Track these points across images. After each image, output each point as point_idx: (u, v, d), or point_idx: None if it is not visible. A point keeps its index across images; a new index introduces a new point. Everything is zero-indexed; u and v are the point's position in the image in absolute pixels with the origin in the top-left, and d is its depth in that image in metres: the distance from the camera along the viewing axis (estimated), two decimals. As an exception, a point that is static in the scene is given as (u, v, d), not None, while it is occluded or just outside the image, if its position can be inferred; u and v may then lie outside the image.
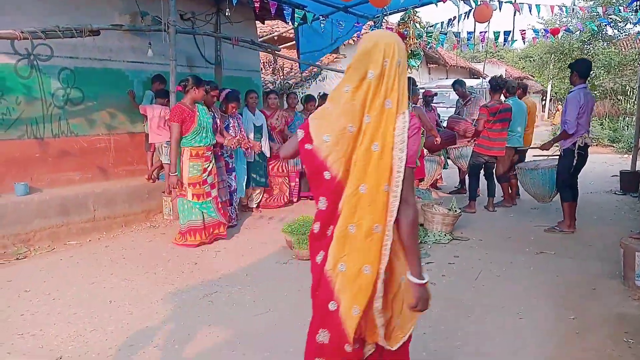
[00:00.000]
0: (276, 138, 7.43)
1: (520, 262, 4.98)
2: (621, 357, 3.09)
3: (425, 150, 7.80)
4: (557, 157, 6.20)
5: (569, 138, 5.76)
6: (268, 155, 7.17)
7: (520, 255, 5.17)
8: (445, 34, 7.67)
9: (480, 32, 7.13)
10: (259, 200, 7.23)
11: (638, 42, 16.66)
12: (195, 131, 5.32)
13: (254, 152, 6.71)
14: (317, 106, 8.25)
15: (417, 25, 5.73)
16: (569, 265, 4.83)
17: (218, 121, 5.91)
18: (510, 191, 7.49)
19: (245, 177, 6.86)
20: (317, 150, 1.95)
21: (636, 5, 6.51)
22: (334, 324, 1.98)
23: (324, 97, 8.42)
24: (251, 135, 6.81)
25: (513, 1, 6.46)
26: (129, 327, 3.52)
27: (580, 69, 5.87)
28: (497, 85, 6.95)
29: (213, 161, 5.59)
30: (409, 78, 6.66)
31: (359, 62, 1.92)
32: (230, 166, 6.36)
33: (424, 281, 1.93)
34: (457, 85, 8.64)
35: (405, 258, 1.97)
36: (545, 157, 7.59)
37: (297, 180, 7.81)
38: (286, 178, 7.58)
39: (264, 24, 11.18)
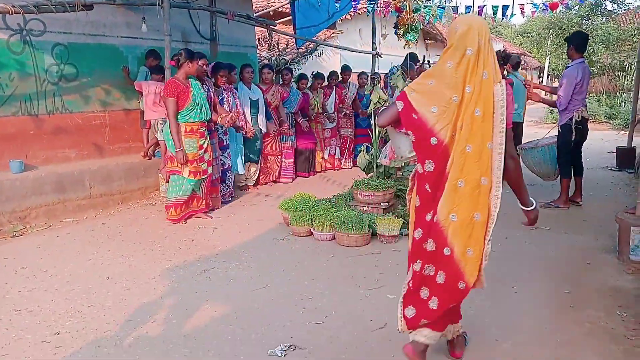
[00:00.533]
0: (272, 114, 7.31)
1: (515, 237, 5.00)
2: (614, 329, 3.13)
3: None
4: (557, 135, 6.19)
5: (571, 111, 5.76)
6: (264, 130, 7.11)
7: (516, 231, 5.16)
8: (444, 7, 7.56)
9: (479, 7, 7.04)
10: (255, 178, 7.19)
11: (637, 16, 16.51)
12: (190, 107, 5.24)
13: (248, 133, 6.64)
14: (309, 84, 8.19)
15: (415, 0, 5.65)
16: (564, 240, 4.87)
17: (212, 95, 5.83)
18: None
19: (243, 155, 6.81)
20: (424, 119, 2.33)
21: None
22: (450, 266, 2.38)
23: (317, 75, 8.32)
24: (247, 110, 6.75)
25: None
26: (126, 303, 3.54)
27: (577, 42, 5.84)
28: (502, 59, 6.89)
29: (208, 137, 5.53)
30: (411, 53, 6.63)
31: (458, 42, 2.30)
32: (224, 143, 6.32)
33: (533, 206, 2.57)
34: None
35: (517, 194, 2.54)
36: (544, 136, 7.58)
37: (293, 159, 7.77)
38: (278, 157, 7.51)
39: (259, -3, 11.02)
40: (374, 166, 5.69)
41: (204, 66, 5.88)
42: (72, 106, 6.16)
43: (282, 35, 10.27)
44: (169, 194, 5.47)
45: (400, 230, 4.89)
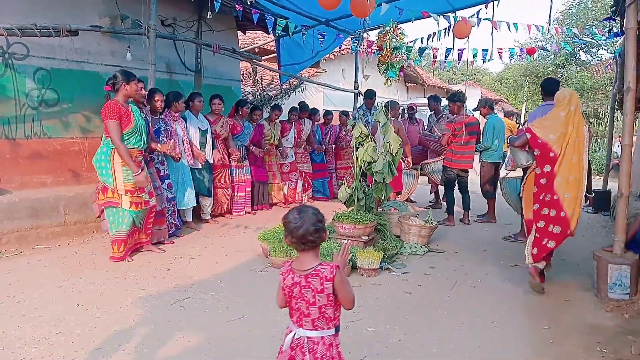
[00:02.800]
0: (218, 146, 6.95)
1: (495, 273, 5.00)
2: (594, 365, 3.10)
3: (402, 164, 7.85)
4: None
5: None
6: (211, 161, 6.76)
7: (495, 267, 5.20)
8: (425, 48, 7.76)
9: (459, 50, 7.25)
10: (210, 211, 6.91)
11: (609, 67, 17.15)
12: (131, 131, 4.86)
13: (200, 161, 6.39)
14: (266, 115, 8.27)
15: (396, 39, 5.79)
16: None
17: (149, 123, 5.50)
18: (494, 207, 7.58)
19: (192, 187, 6.34)
20: (545, 142, 4.29)
21: (609, 25, 6.68)
22: (563, 222, 4.18)
23: (274, 107, 8.22)
24: (196, 139, 6.47)
25: (491, 18, 6.58)
26: (96, 331, 3.40)
27: (545, 87, 6.07)
28: (458, 99, 7.15)
29: (145, 167, 5.14)
30: (391, 101, 7.04)
31: (566, 103, 4.30)
32: (162, 173, 5.85)
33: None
34: (432, 101, 8.87)
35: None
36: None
37: (244, 192, 7.51)
38: (228, 189, 7.19)
39: (245, 34, 11.19)
40: (355, 199, 5.68)
41: (142, 90, 5.44)
42: (51, 131, 6.08)
43: (266, 71, 10.41)
44: (111, 230, 4.99)
45: (380, 264, 4.85)
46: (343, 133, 9.27)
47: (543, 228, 4.27)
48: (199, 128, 6.57)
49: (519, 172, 6.60)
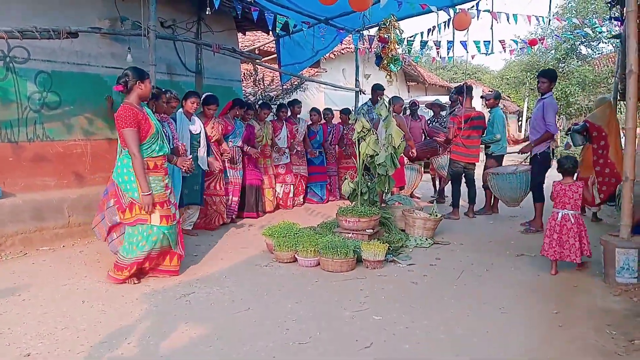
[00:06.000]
0: (213, 149, 6.44)
1: (501, 263, 4.97)
2: (605, 346, 3.06)
3: (405, 159, 7.83)
4: (520, 163, 6.83)
5: (550, 139, 6.04)
6: (205, 168, 6.16)
7: (501, 257, 5.17)
8: (426, 42, 7.75)
9: (460, 42, 7.23)
10: (193, 221, 6.23)
11: (611, 60, 17.10)
12: (154, 137, 4.25)
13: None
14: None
15: (397, 31, 5.78)
16: (550, 266, 4.83)
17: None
18: (492, 200, 7.55)
19: (179, 193, 5.70)
20: (600, 126, 6.50)
21: (609, 13, 6.67)
22: (617, 176, 5.98)
23: (262, 105, 7.88)
24: (187, 143, 5.80)
25: (490, 10, 6.57)
26: (102, 326, 3.39)
27: (552, 76, 6.18)
28: (462, 91, 7.15)
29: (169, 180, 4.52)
30: (395, 97, 6.98)
31: (607, 106, 6.80)
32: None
33: None
34: (436, 106, 9.14)
35: None
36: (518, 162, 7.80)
37: (238, 197, 6.98)
38: (224, 197, 6.64)
39: (245, 35, 11.20)
40: (359, 193, 5.66)
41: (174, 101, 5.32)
42: (53, 134, 6.08)
43: (267, 71, 10.40)
44: (128, 252, 4.23)
45: (385, 255, 4.83)
46: (346, 131, 8.86)
47: (602, 182, 6.36)
48: (190, 131, 5.95)
49: (510, 169, 6.65)
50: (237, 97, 8.69)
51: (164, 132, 4.64)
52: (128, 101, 4.21)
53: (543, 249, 4.66)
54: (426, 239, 5.76)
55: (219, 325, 3.42)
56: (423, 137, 9.04)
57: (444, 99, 11.68)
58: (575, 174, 5.07)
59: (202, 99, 6.39)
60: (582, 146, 6.99)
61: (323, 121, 8.79)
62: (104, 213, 4.48)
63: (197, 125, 6.07)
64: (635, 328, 3.34)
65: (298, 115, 8.32)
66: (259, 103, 8.01)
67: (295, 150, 8.18)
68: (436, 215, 5.96)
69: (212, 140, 6.44)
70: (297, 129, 8.21)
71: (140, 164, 4.10)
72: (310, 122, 8.53)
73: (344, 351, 3.04)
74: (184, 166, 4.66)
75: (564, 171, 4.76)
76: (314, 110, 8.70)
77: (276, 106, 8.21)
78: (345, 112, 9.06)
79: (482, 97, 8.69)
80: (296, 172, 8.17)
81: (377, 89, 8.21)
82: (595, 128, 6.50)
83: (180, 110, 6.05)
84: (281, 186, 7.96)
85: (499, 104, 7.93)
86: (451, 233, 6.24)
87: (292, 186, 8.08)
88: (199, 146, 6.06)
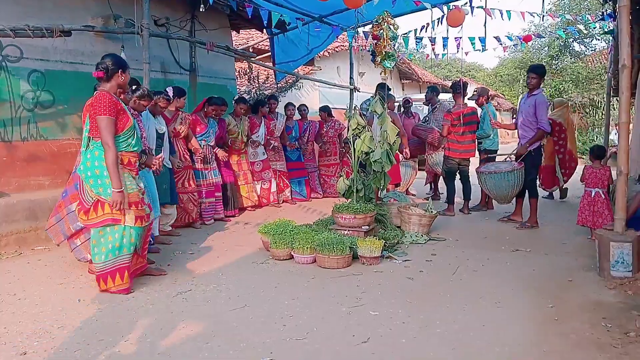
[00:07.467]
0: (178, 146, 6.18)
1: (496, 258, 4.99)
2: (600, 339, 3.08)
3: (400, 155, 7.84)
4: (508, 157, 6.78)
5: (543, 138, 6.10)
6: (169, 166, 5.82)
7: (497, 253, 5.19)
8: (421, 38, 7.76)
9: (455, 38, 7.24)
10: (170, 222, 6.01)
11: (604, 56, 17.21)
12: (130, 130, 3.95)
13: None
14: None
15: (391, 27, 5.78)
16: (545, 261, 4.87)
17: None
18: (487, 196, 7.56)
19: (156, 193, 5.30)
20: (561, 124, 7.76)
21: (602, 8, 6.71)
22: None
23: (239, 100, 7.54)
24: (153, 142, 5.41)
25: (484, 6, 6.59)
26: (98, 324, 3.38)
27: (542, 71, 6.23)
28: (458, 88, 7.14)
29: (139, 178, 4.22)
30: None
31: (564, 107, 8.04)
32: None
33: None
34: (430, 91, 8.84)
35: None
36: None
37: (214, 198, 6.76)
38: (194, 194, 6.40)
39: (239, 33, 11.19)
40: (354, 191, 5.67)
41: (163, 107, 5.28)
42: (47, 133, 6.06)
43: (261, 69, 10.38)
44: (103, 257, 3.88)
45: (381, 252, 4.84)
46: (324, 129, 8.72)
47: (563, 166, 7.74)
48: (157, 131, 5.55)
49: (501, 167, 6.61)
50: (232, 95, 8.69)
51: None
52: (105, 89, 3.90)
53: (579, 220, 5.67)
54: (422, 235, 5.77)
55: (215, 322, 3.41)
56: None
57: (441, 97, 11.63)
58: (603, 159, 5.91)
59: (173, 93, 6.10)
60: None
61: (299, 117, 8.63)
62: (63, 218, 4.34)
63: (162, 125, 5.76)
64: (630, 321, 3.36)
65: (276, 110, 8.15)
66: (235, 98, 7.81)
67: (272, 146, 7.99)
68: (431, 212, 5.97)
69: (179, 137, 6.22)
70: (275, 125, 8.04)
71: (114, 156, 3.77)
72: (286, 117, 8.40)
73: (341, 346, 3.04)
74: (154, 165, 4.50)
75: (595, 157, 5.68)
76: (289, 105, 8.54)
77: (253, 103, 7.98)
78: (324, 109, 8.98)
79: (469, 99, 8.58)
80: (274, 167, 7.98)
81: (381, 89, 8.17)
82: (556, 124, 7.62)
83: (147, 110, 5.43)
84: (259, 183, 7.77)
85: (491, 100, 7.98)
86: (447, 229, 6.27)
87: (271, 181, 7.89)
88: (163, 145, 5.71)
